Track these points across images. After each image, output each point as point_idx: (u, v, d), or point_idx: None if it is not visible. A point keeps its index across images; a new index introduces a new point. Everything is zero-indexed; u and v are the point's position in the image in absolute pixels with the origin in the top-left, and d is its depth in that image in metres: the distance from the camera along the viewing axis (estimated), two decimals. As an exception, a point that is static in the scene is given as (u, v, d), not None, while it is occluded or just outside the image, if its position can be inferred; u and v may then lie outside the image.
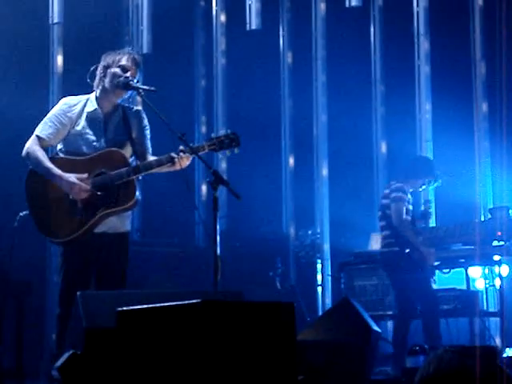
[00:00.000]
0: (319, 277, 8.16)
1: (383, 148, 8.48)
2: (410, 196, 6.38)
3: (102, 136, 4.45)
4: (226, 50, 8.67)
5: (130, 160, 4.45)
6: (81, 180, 4.31)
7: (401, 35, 8.41)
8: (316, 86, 8.62)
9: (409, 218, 6.31)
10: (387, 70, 8.52)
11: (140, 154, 4.46)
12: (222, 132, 4.39)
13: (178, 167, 4.31)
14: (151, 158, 4.46)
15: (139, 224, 7.96)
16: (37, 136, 4.42)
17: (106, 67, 4.46)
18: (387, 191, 6.41)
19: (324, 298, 8.14)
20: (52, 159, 4.41)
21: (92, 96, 4.52)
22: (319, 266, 8.17)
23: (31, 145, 4.41)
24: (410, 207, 6.36)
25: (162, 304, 3.06)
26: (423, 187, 6.54)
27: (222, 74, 8.69)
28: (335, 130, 8.53)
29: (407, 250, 6.19)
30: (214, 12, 8.70)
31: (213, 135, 4.37)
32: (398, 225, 6.23)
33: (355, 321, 4.63)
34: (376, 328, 4.78)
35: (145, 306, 3.11)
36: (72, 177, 4.30)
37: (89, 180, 4.33)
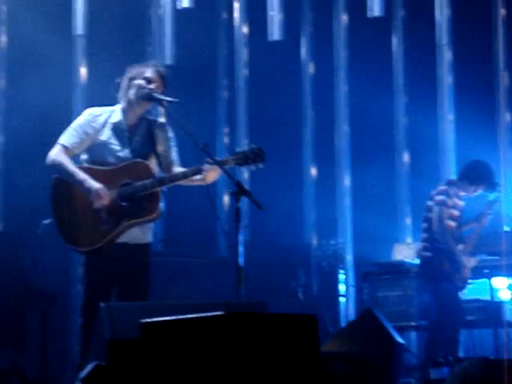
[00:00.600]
0: (342, 287, 8.13)
1: (406, 158, 8.46)
2: (457, 200, 6.22)
3: (127, 146, 4.47)
4: (248, 61, 8.69)
5: (155, 172, 4.46)
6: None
7: (423, 45, 8.38)
8: (338, 97, 8.62)
9: (451, 223, 6.17)
10: (409, 80, 8.49)
11: (165, 166, 4.47)
12: (246, 147, 4.39)
13: (205, 181, 4.32)
14: (178, 169, 4.48)
15: (162, 234, 7.99)
16: (61, 144, 4.45)
17: (131, 79, 4.49)
18: (433, 192, 6.28)
19: (347, 308, 8.10)
20: (78, 168, 4.43)
21: (117, 108, 4.55)
22: (342, 277, 8.13)
23: (55, 153, 4.43)
24: (456, 212, 6.21)
25: (186, 316, 3.06)
26: (475, 194, 6.26)
27: (244, 84, 8.71)
28: (357, 140, 8.52)
29: (437, 260, 6.12)
30: (236, 23, 8.72)
31: (238, 149, 4.37)
32: (436, 230, 6.13)
33: (379, 332, 4.61)
34: (400, 339, 4.75)
35: (168, 318, 3.12)
36: (96, 183, 4.32)
37: (114, 191, 4.36)
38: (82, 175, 4.34)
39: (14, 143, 7.64)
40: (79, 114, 4.65)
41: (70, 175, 4.36)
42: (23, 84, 7.59)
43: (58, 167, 4.39)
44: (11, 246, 6.56)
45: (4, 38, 7.67)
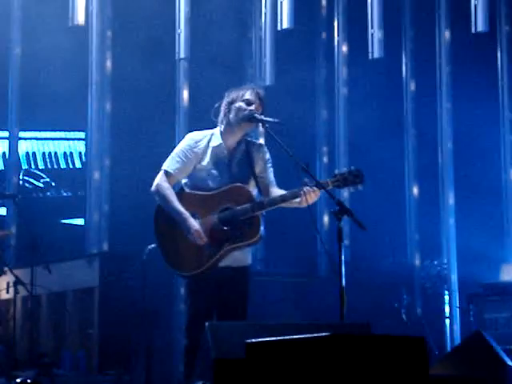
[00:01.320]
0: (447, 309, 7.95)
1: (512, 175, 8.26)
2: None
3: (227, 171, 4.51)
4: (348, 79, 8.66)
5: (254, 195, 4.48)
6: (207, 221, 4.39)
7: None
8: (441, 114, 8.48)
9: None
10: (516, 97, 8.31)
11: (263, 188, 4.50)
12: (345, 168, 4.37)
13: (304, 204, 4.31)
14: (276, 190, 4.49)
15: (263, 254, 8.00)
16: (165, 171, 4.51)
17: (231, 102, 4.53)
18: None
19: (452, 330, 7.92)
20: (179, 194, 4.49)
21: (216, 131, 4.58)
22: (447, 298, 7.97)
23: (160, 181, 4.49)
24: None
25: (291, 336, 3.04)
26: None
27: (344, 103, 8.67)
28: (461, 158, 8.35)
29: None
30: (335, 42, 8.71)
31: (336, 171, 4.36)
32: None
33: (489, 355, 4.47)
34: (511, 363, 4.59)
35: (273, 339, 3.11)
36: (195, 224, 4.37)
37: (214, 216, 4.40)
38: (182, 216, 4.38)
39: (119, 166, 7.83)
40: (182, 138, 4.72)
41: (172, 211, 4.41)
42: (127, 107, 7.78)
43: (162, 199, 4.46)
44: (116, 265, 6.71)
45: (109, 63, 7.89)
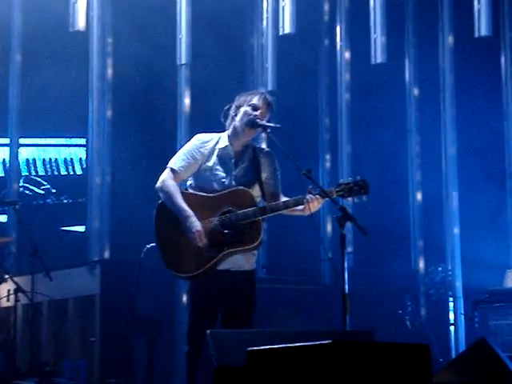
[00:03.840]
0: (451, 316, 7.91)
1: (517, 180, 8.22)
2: None
3: (231, 174, 4.50)
4: (350, 85, 8.62)
5: (258, 200, 4.45)
6: (207, 223, 4.35)
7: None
8: (444, 119, 8.45)
9: None
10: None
11: (269, 195, 4.47)
12: (350, 178, 4.33)
13: (307, 212, 4.27)
14: (281, 198, 4.46)
15: (265, 261, 7.96)
16: (170, 168, 4.50)
17: (238, 106, 4.52)
18: None
19: (457, 337, 7.88)
20: (182, 193, 4.47)
21: (224, 134, 4.58)
22: (451, 305, 7.93)
23: (165, 178, 4.48)
24: None
25: (293, 344, 3.00)
26: None
27: (346, 109, 8.64)
28: (465, 164, 8.32)
29: None
30: (338, 48, 8.68)
31: (341, 181, 4.33)
32: None
33: (493, 363, 4.41)
34: (516, 371, 4.53)
35: (275, 346, 3.07)
36: (197, 224, 4.33)
37: (215, 218, 4.37)
38: (185, 213, 4.35)
39: (120, 172, 7.80)
40: (183, 144, 4.70)
41: (175, 209, 4.39)
42: (129, 114, 7.76)
43: (166, 195, 4.44)
44: (118, 273, 6.68)
45: (110, 70, 7.86)
